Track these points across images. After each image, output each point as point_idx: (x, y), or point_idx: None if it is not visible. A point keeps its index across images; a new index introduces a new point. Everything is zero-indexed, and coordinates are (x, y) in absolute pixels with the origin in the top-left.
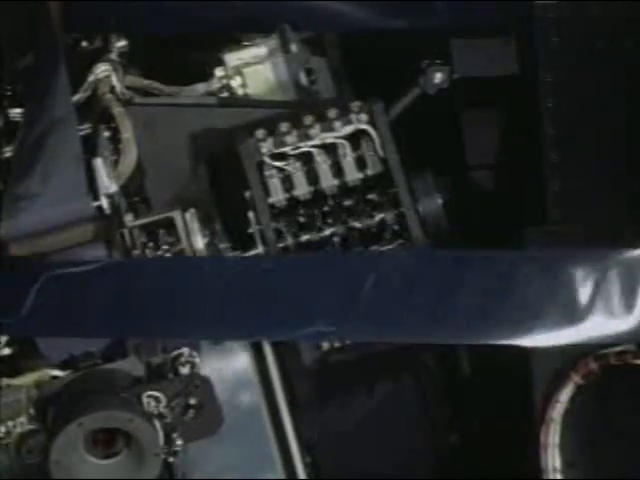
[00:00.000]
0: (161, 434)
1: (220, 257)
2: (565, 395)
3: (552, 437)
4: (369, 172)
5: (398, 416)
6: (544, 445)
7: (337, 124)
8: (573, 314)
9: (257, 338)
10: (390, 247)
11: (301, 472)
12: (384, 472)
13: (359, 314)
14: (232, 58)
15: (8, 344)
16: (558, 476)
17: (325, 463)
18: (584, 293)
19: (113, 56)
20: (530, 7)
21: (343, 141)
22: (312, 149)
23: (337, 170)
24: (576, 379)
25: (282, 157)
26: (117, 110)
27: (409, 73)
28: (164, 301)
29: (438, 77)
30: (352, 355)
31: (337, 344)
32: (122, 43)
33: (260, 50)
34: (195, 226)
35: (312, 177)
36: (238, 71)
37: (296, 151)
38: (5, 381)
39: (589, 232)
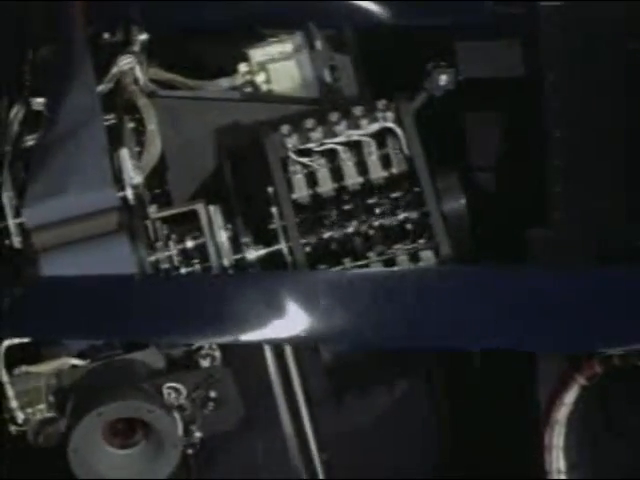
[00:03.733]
0: (180, 426)
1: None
2: (570, 397)
3: (556, 439)
4: (394, 170)
5: (408, 415)
6: (548, 447)
7: (363, 122)
8: None
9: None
10: (413, 246)
11: (320, 471)
12: (391, 471)
13: None
14: (257, 54)
15: None
16: (562, 477)
17: (339, 461)
18: None
19: (136, 48)
20: (534, 8)
21: (368, 139)
22: (337, 146)
23: (362, 168)
24: (581, 381)
25: (307, 153)
26: (142, 101)
27: (417, 75)
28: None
29: (444, 79)
30: (368, 354)
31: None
32: (144, 36)
33: (285, 47)
34: (218, 220)
35: (336, 174)
36: (262, 67)
37: (321, 147)
38: (25, 368)
39: (591, 234)
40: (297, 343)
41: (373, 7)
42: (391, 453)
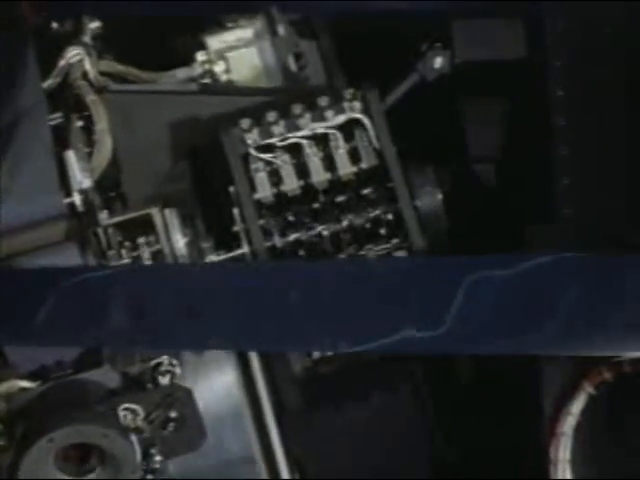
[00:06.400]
0: (138, 450)
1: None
2: (577, 407)
3: (563, 452)
4: (363, 165)
5: (393, 430)
6: (554, 461)
7: (328, 113)
8: None
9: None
10: (385, 246)
11: None
12: None
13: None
14: (215, 41)
15: None
16: None
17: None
18: None
19: (86, 39)
20: None
21: (335, 131)
22: (301, 140)
23: (329, 163)
24: (588, 389)
25: (269, 149)
26: (90, 98)
27: (407, 57)
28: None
29: (438, 62)
30: (344, 364)
31: (329, 352)
32: (95, 25)
33: (245, 33)
34: (175, 224)
35: (302, 171)
36: (221, 55)
37: (284, 142)
38: None
39: (601, 230)
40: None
41: None
42: (369, 470)
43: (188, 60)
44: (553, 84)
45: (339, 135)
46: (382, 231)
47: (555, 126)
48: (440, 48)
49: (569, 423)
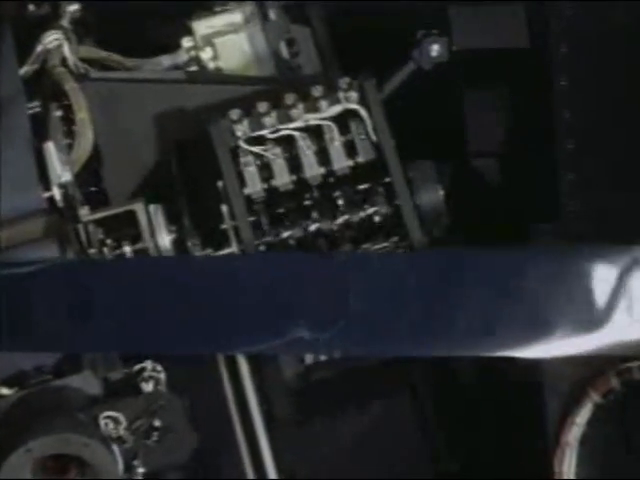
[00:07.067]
0: (120, 460)
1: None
2: (582, 416)
3: (568, 463)
4: (359, 159)
5: (391, 439)
6: (559, 472)
7: (323, 103)
8: (591, 320)
9: (224, 350)
10: (384, 245)
11: None
12: None
13: (346, 323)
14: (202, 26)
15: None
16: None
17: None
18: (603, 295)
19: (64, 23)
20: None
21: (330, 123)
22: (294, 132)
23: (323, 157)
24: (595, 398)
25: (260, 141)
26: (70, 86)
27: (403, 45)
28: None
29: (435, 50)
30: (339, 370)
31: (322, 358)
32: (74, 7)
33: (234, 17)
34: (160, 221)
35: (294, 165)
36: (209, 41)
37: (276, 134)
38: None
39: (606, 227)
40: None
41: None
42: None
43: (173, 46)
44: (556, 75)
45: (334, 127)
46: (379, 229)
47: (559, 119)
48: (437, 35)
49: (574, 433)
